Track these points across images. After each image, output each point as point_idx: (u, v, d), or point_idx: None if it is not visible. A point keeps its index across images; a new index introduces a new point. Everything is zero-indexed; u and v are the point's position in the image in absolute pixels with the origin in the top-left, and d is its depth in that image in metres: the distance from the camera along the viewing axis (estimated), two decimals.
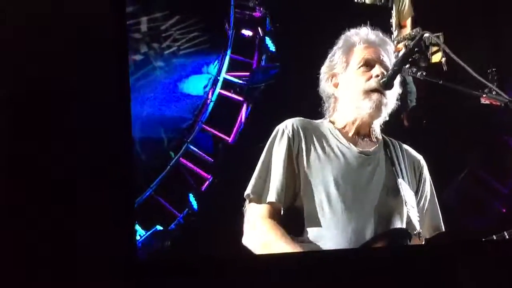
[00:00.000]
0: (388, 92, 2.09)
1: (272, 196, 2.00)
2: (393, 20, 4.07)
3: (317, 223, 1.98)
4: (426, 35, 2.13)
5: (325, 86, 2.18)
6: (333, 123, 2.15)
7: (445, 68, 3.28)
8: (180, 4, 4.44)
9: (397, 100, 2.18)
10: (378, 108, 2.08)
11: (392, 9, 4.08)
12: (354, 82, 2.10)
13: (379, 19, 3.77)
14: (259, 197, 2.01)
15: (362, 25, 2.17)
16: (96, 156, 1.88)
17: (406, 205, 2.06)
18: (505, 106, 2.02)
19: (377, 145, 2.12)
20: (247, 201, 2.06)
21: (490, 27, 3.97)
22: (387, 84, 2.10)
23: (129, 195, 1.95)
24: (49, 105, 1.87)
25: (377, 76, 2.08)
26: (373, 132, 2.13)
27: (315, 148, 2.05)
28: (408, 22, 4.11)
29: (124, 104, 1.93)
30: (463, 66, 2.02)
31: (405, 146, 2.19)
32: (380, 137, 2.16)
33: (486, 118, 3.72)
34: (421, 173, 2.17)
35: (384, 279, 1.90)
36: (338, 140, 2.08)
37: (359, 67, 2.11)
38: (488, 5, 3.91)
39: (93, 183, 1.88)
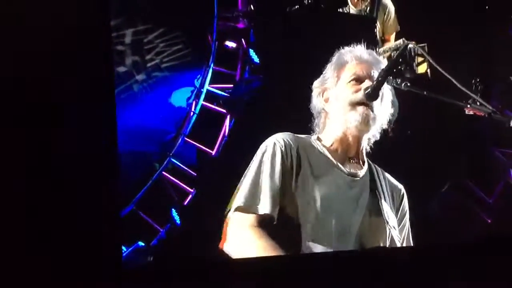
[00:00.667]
0: (376, 107, 2.07)
1: (267, 208, 1.96)
2: (377, 31, 4.09)
3: (303, 238, 1.95)
4: (411, 45, 2.12)
5: (316, 101, 2.18)
6: (320, 140, 2.13)
7: (429, 76, 3.29)
8: (163, 16, 4.41)
9: (388, 120, 2.16)
10: (364, 121, 2.06)
11: (376, 20, 4.09)
12: (342, 95, 2.10)
13: (364, 30, 3.78)
14: (250, 208, 1.97)
15: (355, 43, 2.17)
16: (82, 167, 1.84)
17: (388, 226, 2.05)
18: (488, 117, 2.01)
19: (363, 168, 2.11)
20: (231, 210, 2.01)
21: (474, 38, 4.00)
22: (372, 95, 2.09)
23: (115, 207, 1.90)
24: (32, 119, 1.83)
25: (366, 89, 2.07)
26: (360, 154, 2.12)
27: (307, 163, 2.04)
28: (392, 36, 4.12)
29: (110, 117, 1.89)
30: (448, 77, 2.00)
31: (387, 174, 2.19)
32: (366, 161, 2.15)
33: (470, 129, 3.73)
34: (401, 202, 2.17)
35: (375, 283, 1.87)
36: (327, 158, 2.07)
37: (349, 81, 2.10)
38: (473, 16, 3.94)
39: (79, 193, 1.83)
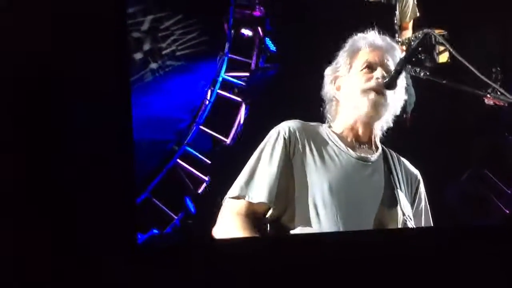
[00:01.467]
0: (388, 94, 2.03)
1: (260, 196, 1.94)
2: (396, 19, 4.02)
3: (310, 228, 1.93)
4: (431, 33, 2.08)
5: (328, 88, 2.14)
6: (331, 128, 2.10)
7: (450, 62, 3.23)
8: (179, 4, 4.40)
9: (402, 106, 2.12)
10: (374, 107, 2.02)
11: (396, 7, 4.02)
12: (354, 83, 2.06)
13: (383, 18, 3.72)
14: (243, 196, 1.95)
15: (369, 28, 2.13)
16: (96, 157, 1.84)
17: (404, 216, 2.01)
18: (509, 106, 1.97)
19: (376, 153, 2.07)
20: (226, 197, 2.00)
21: (495, 26, 3.92)
22: (390, 84, 2.05)
23: (130, 194, 1.91)
24: (47, 107, 1.83)
25: (378, 78, 2.03)
26: (373, 139, 2.08)
27: (311, 151, 2.01)
28: (410, 24, 4.05)
29: (125, 106, 1.89)
30: (467, 66, 1.96)
31: (403, 159, 2.14)
32: (380, 147, 2.11)
33: (490, 118, 3.68)
34: (417, 188, 2.12)
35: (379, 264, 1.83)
36: (336, 145, 2.03)
37: (362, 69, 2.07)
38: (493, 4, 3.86)
39: (93, 183, 1.84)
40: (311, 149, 2.01)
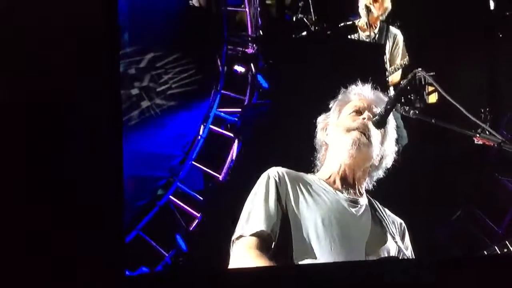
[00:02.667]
0: (373, 135, 2.06)
1: (260, 225, 1.95)
2: (386, 60, 4.10)
3: (306, 260, 1.94)
4: (419, 73, 2.12)
5: (319, 135, 2.19)
6: (317, 175, 2.14)
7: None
8: (175, 43, 4.46)
9: (392, 159, 2.15)
10: (357, 146, 2.05)
11: (385, 47, 4.11)
12: (341, 124, 2.11)
13: (374, 56, 3.79)
14: (246, 232, 1.96)
15: (361, 81, 2.18)
16: (85, 191, 1.83)
17: (395, 241, 2.03)
18: (498, 146, 1.99)
19: (362, 197, 2.10)
20: (231, 244, 2.01)
21: (483, 66, 4.00)
22: (379, 122, 2.07)
23: (119, 232, 1.88)
24: (35, 145, 1.83)
25: (364, 118, 2.07)
26: (357, 186, 2.11)
27: (301, 192, 2.05)
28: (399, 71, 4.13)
29: (115, 145, 1.89)
30: (457, 106, 1.99)
31: (386, 210, 2.18)
32: (364, 193, 2.14)
33: (478, 158, 3.71)
34: (403, 233, 2.15)
35: None
36: (324, 188, 2.07)
37: (350, 113, 2.12)
38: (481, 45, 3.95)
39: (83, 217, 1.82)
40: (301, 190, 2.04)
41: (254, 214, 1.99)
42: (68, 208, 1.77)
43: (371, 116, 2.07)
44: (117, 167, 1.87)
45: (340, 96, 2.21)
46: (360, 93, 2.15)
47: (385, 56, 4.09)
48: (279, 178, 2.04)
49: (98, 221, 1.80)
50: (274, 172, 2.06)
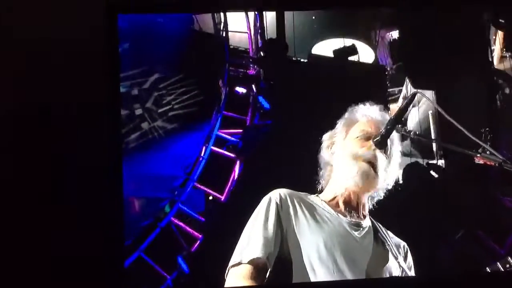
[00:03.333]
0: (379, 166, 2.06)
1: (257, 252, 1.95)
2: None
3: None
4: (420, 93, 2.13)
5: (324, 153, 2.19)
6: (319, 197, 2.14)
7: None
8: (177, 65, 4.50)
9: (396, 177, 2.15)
10: (364, 177, 2.06)
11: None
12: (348, 148, 2.10)
13: (375, 78, 3.81)
14: (243, 259, 1.96)
15: (367, 101, 2.19)
16: (86, 213, 1.84)
17: (398, 261, 2.03)
18: (499, 166, 1.99)
19: (365, 220, 2.10)
20: (227, 270, 2.00)
21: (483, 87, 4.02)
22: (380, 143, 2.09)
23: (119, 255, 1.89)
24: (36, 165, 1.85)
25: (375, 137, 2.07)
26: (361, 209, 2.11)
27: (304, 214, 2.04)
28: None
29: (116, 165, 1.90)
30: (457, 125, 2.00)
31: (389, 232, 2.18)
32: (368, 216, 2.14)
33: (481, 178, 3.71)
34: (406, 255, 2.14)
35: None
36: (326, 211, 2.06)
37: (357, 137, 2.11)
38: (480, 64, 3.97)
39: (84, 240, 1.83)
40: (303, 213, 2.04)
41: (252, 240, 1.98)
42: (67, 229, 1.77)
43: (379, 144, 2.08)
44: (117, 190, 1.87)
45: (347, 114, 2.19)
46: (368, 115, 2.14)
47: (386, 78, 4.11)
48: (280, 201, 2.04)
49: (99, 241, 1.80)
50: (276, 195, 2.05)
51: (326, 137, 2.20)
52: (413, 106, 3.71)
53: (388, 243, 2.09)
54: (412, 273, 2.12)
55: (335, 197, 2.10)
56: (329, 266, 1.95)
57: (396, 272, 2.04)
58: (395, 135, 2.13)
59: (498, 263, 2.15)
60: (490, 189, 3.88)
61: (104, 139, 1.89)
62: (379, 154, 2.07)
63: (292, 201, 2.06)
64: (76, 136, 1.88)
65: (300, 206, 2.06)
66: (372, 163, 2.05)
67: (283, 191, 2.08)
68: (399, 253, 2.10)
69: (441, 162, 3.79)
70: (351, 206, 2.09)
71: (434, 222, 3.42)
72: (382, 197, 2.14)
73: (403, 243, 2.17)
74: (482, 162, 2.08)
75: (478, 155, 2.01)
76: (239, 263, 1.97)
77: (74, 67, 1.94)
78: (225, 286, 1.97)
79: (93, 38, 1.91)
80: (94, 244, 1.84)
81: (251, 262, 1.94)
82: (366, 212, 2.14)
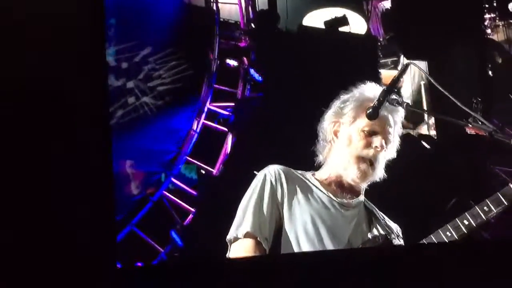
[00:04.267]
0: (378, 165, 2.06)
1: (254, 229, 1.96)
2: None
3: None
4: (412, 64, 2.11)
5: (327, 127, 2.15)
6: (314, 175, 2.13)
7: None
8: (166, 36, 4.45)
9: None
10: (363, 178, 2.06)
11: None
12: (352, 143, 2.09)
13: (366, 50, 3.78)
14: (243, 232, 1.97)
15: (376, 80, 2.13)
16: (76, 189, 1.83)
17: (391, 237, 2.04)
18: (490, 135, 1.99)
19: (357, 198, 2.10)
20: (232, 241, 2.01)
21: (473, 58, 4.02)
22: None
23: (110, 228, 1.88)
24: (24, 145, 1.82)
25: (376, 147, 2.06)
26: (356, 190, 2.11)
27: (295, 192, 2.04)
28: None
29: (105, 136, 1.88)
30: (448, 96, 2.00)
31: (382, 214, 2.18)
32: (362, 194, 2.13)
33: (470, 147, 3.73)
34: (398, 237, 2.15)
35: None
36: (319, 189, 2.07)
37: (363, 130, 2.08)
38: (473, 35, 3.96)
39: (72, 216, 1.82)
40: (295, 191, 2.04)
41: (249, 216, 1.99)
42: (57, 207, 1.77)
43: (383, 144, 2.06)
44: (107, 164, 1.86)
45: (357, 94, 2.09)
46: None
47: (378, 50, 4.08)
48: (275, 179, 2.04)
49: (89, 218, 1.80)
50: (271, 171, 2.06)
51: (331, 112, 2.15)
52: (405, 77, 3.70)
53: (381, 224, 2.09)
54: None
55: (329, 179, 2.10)
56: (314, 243, 1.97)
57: (390, 240, 2.04)
58: (399, 118, 2.10)
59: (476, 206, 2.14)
60: (480, 158, 3.91)
61: (91, 113, 1.86)
62: (380, 155, 2.07)
63: (287, 178, 2.06)
64: (63, 111, 1.85)
65: (293, 183, 2.06)
66: (372, 162, 2.05)
67: (278, 168, 2.07)
68: (392, 232, 2.11)
69: (432, 133, 3.81)
70: (345, 189, 2.09)
71: (426, 192, 3.44)
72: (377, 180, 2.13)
73: (395, 226, 2.17)
74: (474, 132, 2.08)
75: (470, 125, 2.01)
76: (237, 238, 1.98)
77: (60, 41, 1.90)
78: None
79: (80, 12, 1.87)
80: (84, 219, 1.82)
81: (247, 235, 1.96)
82: (362, 191, 2.13)
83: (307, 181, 2.09)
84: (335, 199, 2.06)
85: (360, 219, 2.07)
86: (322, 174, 2.12)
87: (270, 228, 1.99)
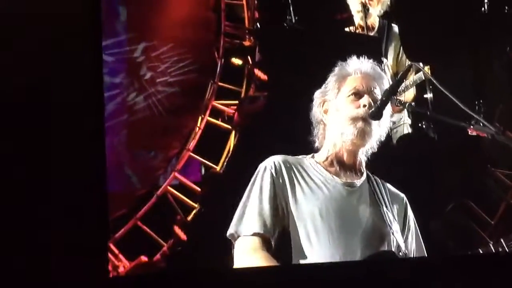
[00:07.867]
0: (373, 122, 2.08)
1: (258, 227, 1.98)
2: (389, 61, 4.05)
3: (305, 256, 1.96)
4: (415, 66, 2.14)
5: (316, 111, 2.18)
6: (314, 158, 2.14)
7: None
8: (171, 33, 4.47)
9: (387, 130, 2.17)
10: (361, 136, 2.07)
11: (382, 40, 4.08)
12: (342, 109, 2.11)
13: (371, 49, 3.79)
14: (239, 232, 1.99)
15: (360, 56, 2.17)
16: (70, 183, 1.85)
17: (391, 230, 2.05)
18: (492, 138, 2.02)
19: (361, 178, 2.11)
20: (234, 239, 2.03)
21: (476, 59, 4.03)
22: (375, 115, 2.10)
23: (103, 225, 1.91)
24: (21, 136, 1.84)
25: (365, 106, 2.08)
26: (358, 165, 2.12)
27: (298, 182, 2.05)
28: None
29: (98, 132, 1.91)
30: (451, 98, 2.02)
31: (387, 184, 2.19)
32: (364, 172, 2.15)
33: (471, 149, 3.75)
34: (405, 210, 2.16)
35: None
36: (320, 174, 2.08)
37: (349, 95, 2.11)
38: (476, 38, 3.97)
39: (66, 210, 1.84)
40: (298, 181, 2.05)
41: (249, 212, 1.99)
42: (51, 204, 1.78)
43: (371, 102, 2.08)
44: (100, 160, 1.88)
45: (337, 70, 2.16)
46: (360, 69, 2.12)
47: (382, 48, 4.08)
48: (275, 171, 2.04)
49: (82, 216, 1.81)
50: (270, 163, 2.06)
51: (317, 94, 2.18)
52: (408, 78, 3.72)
53: (386, 201, 2.08)
54: (412, 231, 2.13)
55: (329, 157, 2.11)
56: (325, 236, 1.97)
57: (391, 236, 2.04)
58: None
59: (490, 244, 2.19)
60: (481, 160, 3.93)
61: (87, 105, 1.89)
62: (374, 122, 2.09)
63: (287, 168, 2.06)
64: (60, 110, 1.88)
65: (294, 173, 2.06)
66: (368, 120, 2.07)
67: (277, 159, 2.08)
68: (397, 210, 2.10)
69: (434, 134, 3.83)
70: (347, 165, 2.10)
71: (425, 194, 3.46)
72: (375, 150, 2.15)
73: (402, 196, 2.17)
74: (475, 134, 2.10)
75: (471, 126, 2.04)
76: (238, 235, 2.00)
77: (54, 32, 1.91)
78: (234, 259, 1.99)
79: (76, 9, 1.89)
80: (77, 216, 1.84)
81: (254, 234, 1.97)
82: (363, 167, 2.14)
83: (308, 167, 2.10)
84: (338, 180, 2.07)
85: (366, 200, 2.07)
86: (322, 155, 2.14)
87: (274, 221, 2.00)
